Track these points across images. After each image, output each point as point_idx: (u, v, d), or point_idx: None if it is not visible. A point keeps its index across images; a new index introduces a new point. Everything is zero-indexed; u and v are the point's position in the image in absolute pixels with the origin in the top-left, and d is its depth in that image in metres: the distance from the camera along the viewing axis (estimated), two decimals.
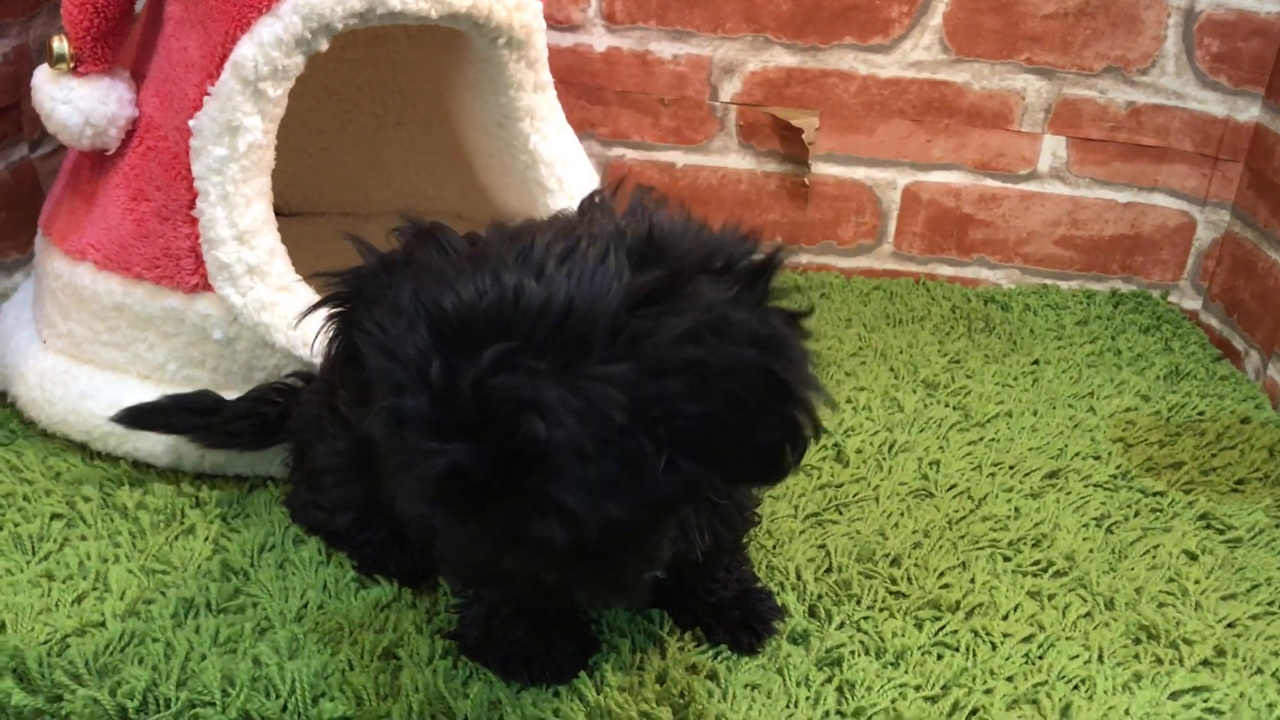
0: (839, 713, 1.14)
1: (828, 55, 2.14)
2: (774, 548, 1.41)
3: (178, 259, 1.41)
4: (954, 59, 2.13)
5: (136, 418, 1.41)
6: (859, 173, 2.22)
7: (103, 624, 1.18)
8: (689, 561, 1.16)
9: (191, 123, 1.35)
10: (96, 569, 1.27)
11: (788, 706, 1.14)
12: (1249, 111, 2.09)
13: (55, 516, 1.36)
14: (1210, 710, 1.18)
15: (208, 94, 1.34)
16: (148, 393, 1.45)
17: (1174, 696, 1.20)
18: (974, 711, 1.15)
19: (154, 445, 1.45)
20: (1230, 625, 1.32)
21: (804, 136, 2.16)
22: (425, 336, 0.81)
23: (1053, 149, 2.18)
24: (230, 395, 1.44)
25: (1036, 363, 1.96)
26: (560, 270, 0.81)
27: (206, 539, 1.34)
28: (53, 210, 1.58)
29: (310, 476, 1.34)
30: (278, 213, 2.08)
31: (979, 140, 2.19)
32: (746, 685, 1.17)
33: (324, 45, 1.34)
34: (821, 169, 2.21)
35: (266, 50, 1.31)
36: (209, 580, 1.27)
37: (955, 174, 2.22)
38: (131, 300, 1.45)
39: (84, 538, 1.33)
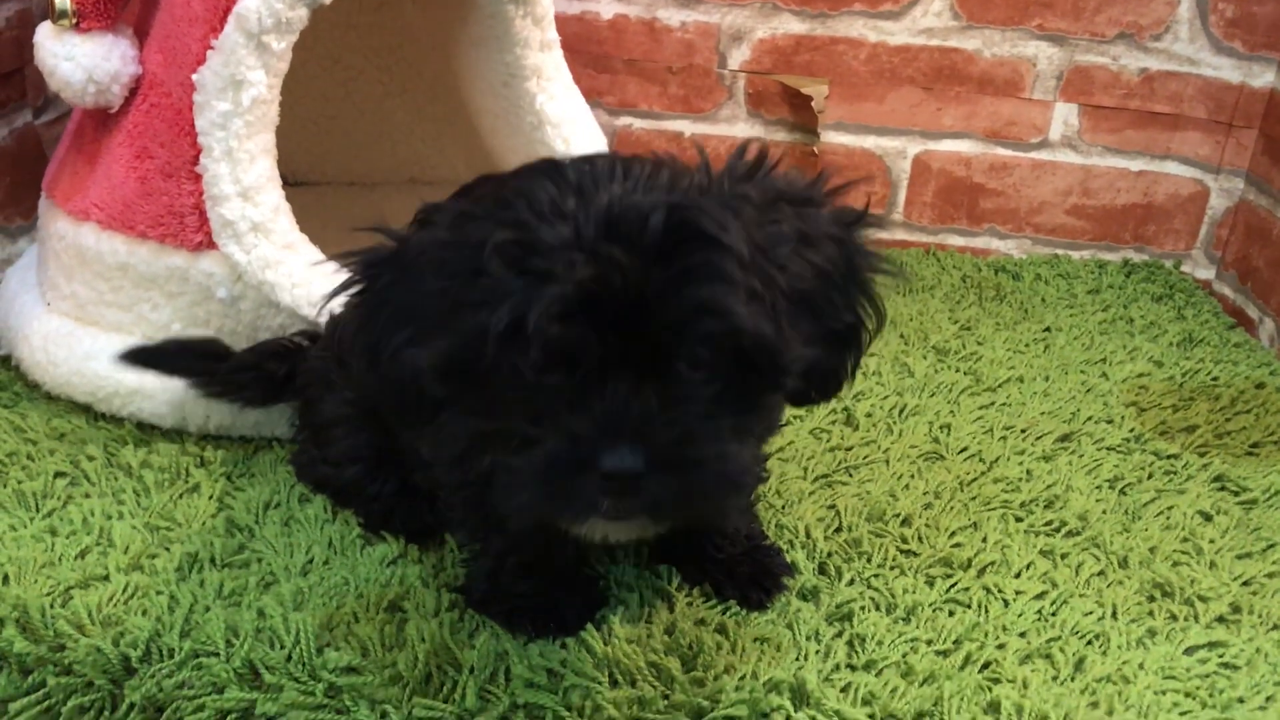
0: (849, 665, 1.13)
1: (837, 22, 2.13)
2: (783, 507, 1.40)
3: (181, 216, 1.40)
4: (964, 25, 2.11)
5: (141, 357, 1.40)
6: (868, 141, 2.20)
7: (106, 577, 1.17)
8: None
9: (195, 77, 1.34)
10: (100, 525, 1.26)
11: (797, 659, 1.13)
12: (1264, 77, 2.07)
13: (59, 475, 1.36)
14: (1225, 665, 1.17)
15: (211, 48, 1.33)
16: None
17: (1189, 651, 1.19)
18: (986, 664, 1.14)
19: (159, 406, 1.44)
20: (1246, 583, 1.30)
21: (813, 105, 2.14)
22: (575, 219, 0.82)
23: (1064, 117, 2.16)
24: None
25: (1048, 330, 1.94)
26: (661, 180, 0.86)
27: (211, 497, 1.33)
28: (56, 171, 1.57)
29: (318, 431, 1.33)
30: (284, 182, 2.10)
31: (990, 108, 2.17)
32: (756, 639, 1.15)
33: None
34: (830, 138, 2.19)
35: (270, 2, 1.29)
36: (213, 536, 1.26)
37: (966, 143, 2.20)
38: (135, 260, 1.44)
39: (88, 495, 1.32)
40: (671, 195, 0.84)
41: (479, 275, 0.83)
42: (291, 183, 2.08)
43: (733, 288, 0.82)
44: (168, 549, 1.23)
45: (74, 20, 1.39)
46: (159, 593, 1.15)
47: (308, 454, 1.36)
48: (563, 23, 2.11)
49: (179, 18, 1.38)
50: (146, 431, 1.46)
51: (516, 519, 0.90)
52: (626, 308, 0.81)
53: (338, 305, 1.35)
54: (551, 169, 0.88)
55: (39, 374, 1.51)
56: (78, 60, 1.40)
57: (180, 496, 1.33)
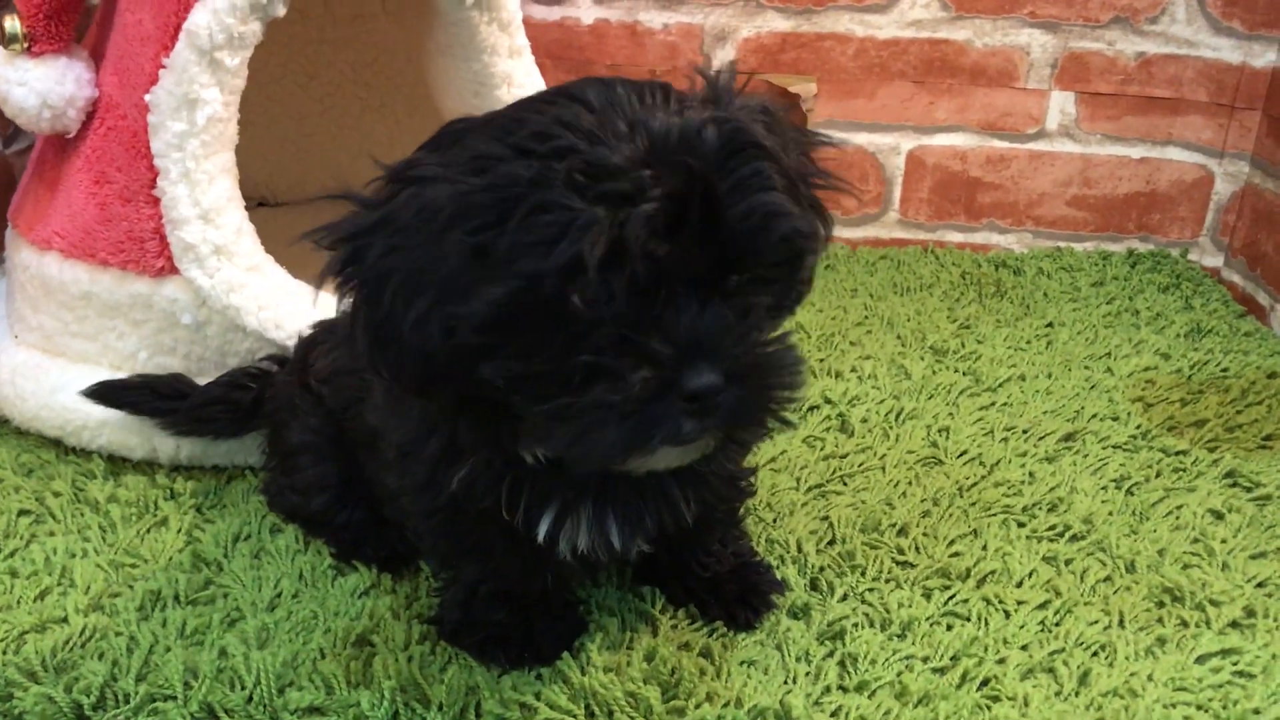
0: (840, 687, 1.07)
1: (823, 18, 2.07)
2: (774, 521, 1.34)
3: (142, 242, 1.36)
4: (954, 16, 2.06)
5: (105, 394, 1.36)
6: (861, 138, 2.15)
7: (64, 619, 1.13)
8: (681, 532, 1.10)
9: (148, 97, 1.30)
10: (62, 564, 1.22)
11: (785, 682, 1.07)
12: (1265, 56, 2.00)
13: (23, 513, 1.32)
14: (1240, 673, 1.11)
15: (163, 67, 1.28)
16: None
17: (1200, 660, 1.12)
18: (985, 682, 1.08)
19: (128, 438, 1.40)
20: (1260, 585, 1.24)
21: (802, 104, 2.09)
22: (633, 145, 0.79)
23: (1061, 105, 2.10)
24: (204, 383, 1.39)
25: (1050, 325, 1.88)
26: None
27: (180, 530, 1.29)
28: (19, 200, 1.54)
29: (285, 459, 1.29)
30: (263, 204, 2.06)
31: (984, 100, 2.11)
32: (742, 662, 1.10)
33: (281, 9, 1.28)
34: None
35: (220, 16, 1.25)
36: (179, 572, 1.21)
37: (960, 136, 2.14)
38: (98, 288, 1.40)
39: (52, 533, 1.28)
40: (711, 111, 0.83)
41: (537, 214, 0.78)
42: (272, 204, 2.06)
43: (784, 193, 0.82)
44: (131, 587, 1.18)
45: (25, 45, 1.36)
46: (118, 634, 1.10)
47: (277, 483, 1.32)
48: (543, 29, 2.07)
49: (131, 37, 1.34)
50: (117, 464, 1.42)
51: (594, 460, 0.85)
52: (704, 220, 0.79)
53: (307, 328, 1.32)
54: (569, 96, 0.83)
55: (7, 409, 1.48)
56: (31, 85, 1.36)
57: (148, 531, 1.29)
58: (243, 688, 1.03)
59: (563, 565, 1.07)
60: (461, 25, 1.44)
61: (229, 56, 1.28)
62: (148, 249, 1.36)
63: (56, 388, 1.42)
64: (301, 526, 1.29)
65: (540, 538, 1.00)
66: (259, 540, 1.28)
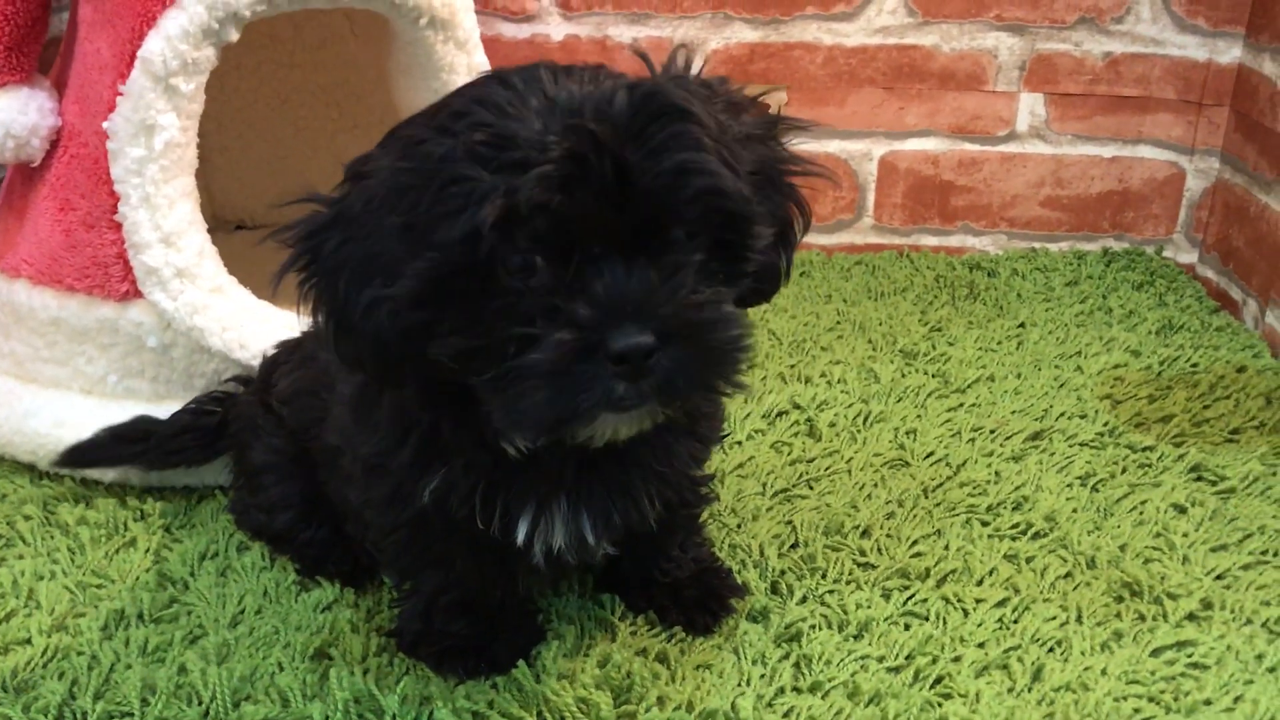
0: (794, 688, 1.08)
1: (790, 27, 2.09)
2: (738, 526, 1.35)
3: (106, 267, 1.38)
4: (920, 21, 2.07)
5: (78, 458, 1.39)
6: (832, 146, 2.16)
7: (28, 640, 1.14)
8: (644, 535, 1.12)
9: (106, 125, 1.31)
10: (29, 586, 1.23)
11: (739, 685, 1.08)
12: (1230, 53, 2.01)
13: None
14: (1194, 665, 1.11)
15: (120, 94, 1.30)
16: (90, 408, 1.42)
17: (1155, 653, 1.13)
18: (938, 680, 1.09)
19: None
20: (1219, 577, 1.25)
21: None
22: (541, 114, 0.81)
23: (1030, 107, 2.11)
24: (173, 405, 1.40)
25: (1022, 326, 1.88)
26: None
27: (148, 550, 1.30)
28: None
29: (250, 478, 1.30)
30: (240, 227, 2.08)
31: (953, 103, 2.12)
32: (698, 666, 1.11)
33: (234, 35, 1.30)
34: (793, 145, 2.15)
35: (174, 44, 1.27)
36: (144, 591, 1.23)
37: (932, 140, 2.15)
38: (66, 314, 1.41)
39: (21, 556, 1.29)
40: (626, 80, 0.84)
41: (448, 186, 0.80)
42: (250, 226, 2.08)
43: (709, 153, 0.82)
44: (96, 607, 1.20)
45: None
46: (80, 653, 1.11)
47: (243, 501, 1.33)
48: (513, 46, 2.09)
49: (90, 66, 1.36)
50: (89, 486, 1.44)
51: (529, 428, 0.85)
52: (609, 180, 0.80)
53: (271, 348, 1.34)
54: (494, 80, 0.85)
55: None
56: None
57: (116, 552, 1.30)
58: (199, 703, 1.04)
59: (532, 571, 1.08)
60: (418, 45, 1.46)
61: (184, 82, 1.30)
62: (112, 274, 1.37)
63: (28, 413, 1.44)
64: (267, 544, 1.30)
65: (520, 540, 1.01)
66: (225, 558, 1.29)
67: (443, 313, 0.84)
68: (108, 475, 1.43)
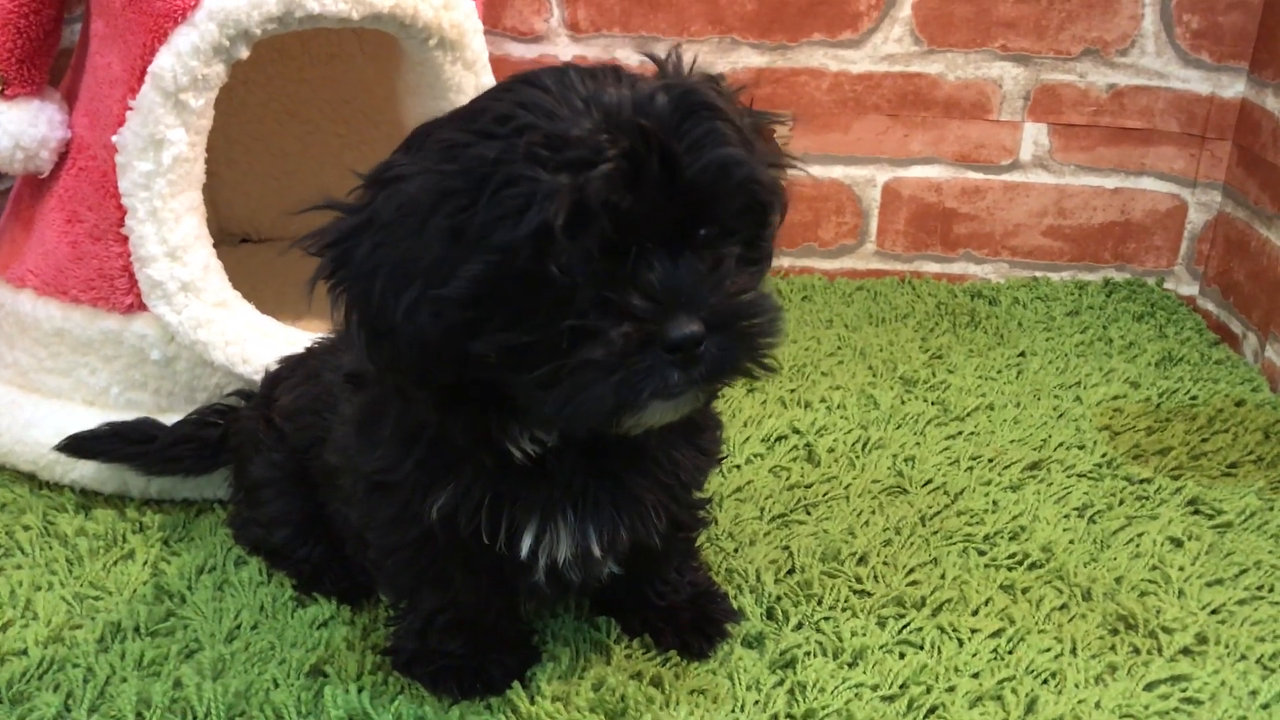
0: (789, 715, 1.08)
1: (796, 53, 2.10)
2: (735, 550, 1.36)
3: (111, 279, 1.38)
4: (926, 50, 2.08)
5: (76, 447, 1.39)
6: (836, 171, 2.17)
7: (24, 651, 1.14)
8: (640, 558, 1.13)
9: (115, 138, 1.32)
10: (27, 597, 1.23)
11: (733, 711, 1.08)
12: (1234, 87, 2.02)
13: None
14: (1188, 700, 1.11)
15: (130, 109, 1.31)
16: (92, 419, 1.42)
17: (1149, 687, 1.13)
18: (932, 710, 1.09)
19: (99, 472, 1.42)
20: (1214, 612, 1.25)
21: (776, 138, 2.11)
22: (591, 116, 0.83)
23: (1034, 137, 2.12)
24: (174, 417, 1.41)
25: (1023, 355, 1.89)
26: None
27: (145, 563, 1.31)
28: None
29: (249, 492, 1.31)
30: (246, 240, 2.09)
31: (957, 132, 2.13)
32: (692, 691, 1.11)
33: (244, 52, 1.31)
34: (797, 170, 2.16)
35: (185, 60, 1.28)
36: (141, 604, 1.23)
37: (935, 168, 2.16)
38: (70, 325, 1.42)
39: (19, 566, 1.30)
40: (661, 80, 0.87)
41: (505, 188, 0.81)
42: (256, 240, 2.09)
43: (740, 149, 0.86)
44: (93, 619, 1.20)
45: (0, 88, 1.39)
46: (75, 665, 1.12)
47: (242, 516, 1.33)
48: (521, 66, 2.09)
49: (101, 80, 1.37)
50: (89, 497, 1.44)
51: (587, 419, 0.87)
52: (661, 176, 0.83)
53: (273, 363, 1.34)
54: (526, 82, 0.87)
55: None
56: (4, 127, 1.39)
57: (114, 564, 1.31)
58: (194, 718, 1.04)
59: (533, 591, 1.09)
60: (426, 65, 1.47)
61: (193, 98, 1.31)
62: (117, 286, 1.38)
63: (30, 423, 1.44)
64: (265, 559, 1.31)
65: (524, 553, 1.01)
66: (223, 572, 1.29)
67: (492, 310, 0.85)
68: (107, 486, 1.43)
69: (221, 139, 2.03)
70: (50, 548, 1.33)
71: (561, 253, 0.81)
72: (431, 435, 0.99)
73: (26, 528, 1.36)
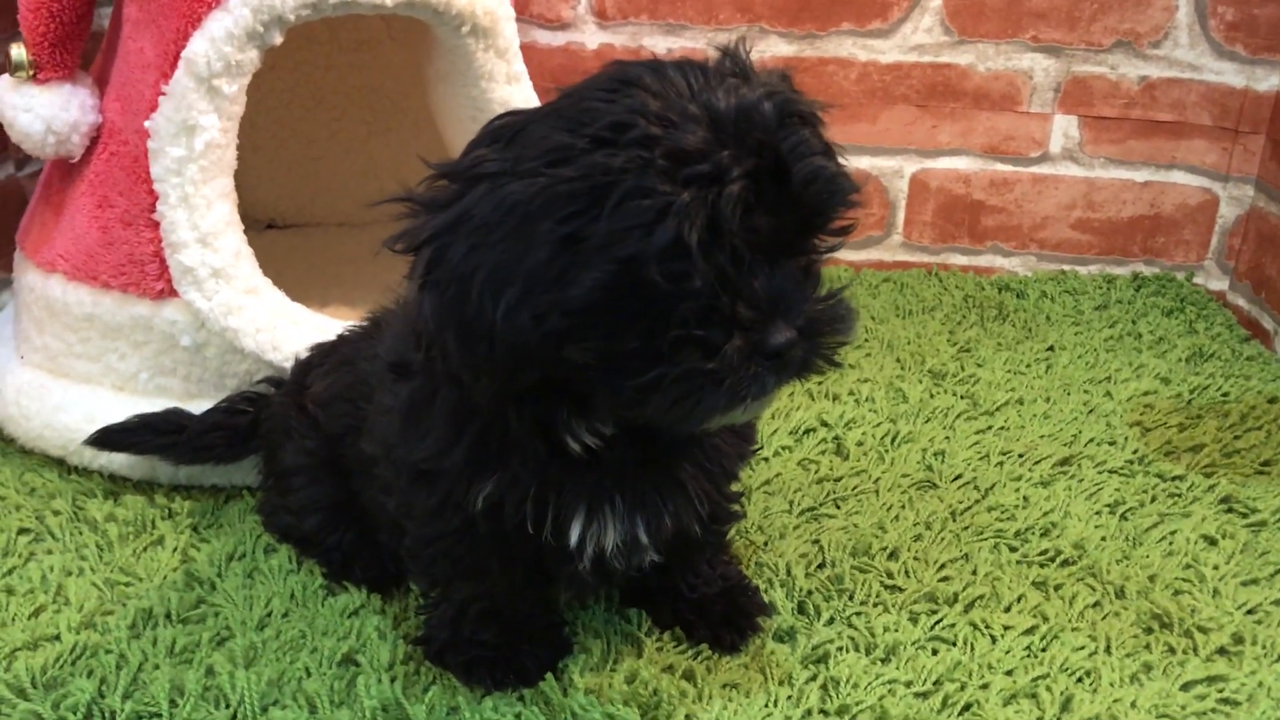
0: (822, 711, 1.08)
1: (825, 42, 2.09)
2: (765, 544, 1.35)
3: (142, 265, 1.38)
4: (956, 40, 2.06)
5: (106, 440, 1.39)
6: (864, 162, 2.16)
7: (57, 637, 1.14)
8: (673, 550, 1.13)
9: (148, 123, 1.32)
10: (58, 582, 1.23)
11: (766, 705, 1.08)
12: (1269, 80, 2.00)
13: (23, 531, 1.34)
14: (1225, 700, 1.10)
15: (163, 94, 1.31)
16: (121, 404, 1.42)
17: (1186, 687, 1.12)
18: (967, 707, 1.08)
19: (128, 458, 1.42)
20: (1250, 611, 1.24)
21: None
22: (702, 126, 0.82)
23: (1064, 129, 2.11)
24: (204, 404, 1.41)
25: (1051, 349, 1.88)
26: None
27: (175, 550, 1.31)
28: (27, 223, 1.56)
29: (279, 480, 1.30)
30: (271, 226, 2.09)
31: (987, 123, 2.12)
32: (724, 685, 1.11)
33: (278, 38, 1.30)
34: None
35: (218, 45, 1.28)
36: (172, 590, 1.23)
37: (964, 159, 2.14)
38: (100, 310, 1.42)
39: (50, 551, 1.30)
40: (761, 86, 0.87)
41: (631, 200, 0.80)
42: (281, 226, 2.08)
43: (831, 158, 0.88)
44: (124, 605, 1.20)
45: (31, 72, 1.38)
46: (108, 651, 1.12)
47: (272, 503, 1.33)
48: (547, 54, 2.09)
49: (134, 65, 1.36)
50: (118, 483, 1.44)
51: (693, 422, 0.90)
52: (778, 192, 0.84)
53: (304, 350, 1.34)
54: (628, 83, 0.85)
55: (12, 428, 1.50)
56: (36, 111, 1.39)
57: (144, 550, 1.31)
58: (227, 706, 1.04)
59: (574, 580, 1.09)
60: (458, 52, 1.46)
61: (227, 84, 1.30)
62: (148, 272, 1.38)
63: (60, 407, 1.45)
64: (295, 546, 1.30)
65: (572, 542, 1.01)
66: (253, 560, 1.29)
67: (599, 318, 0.85)
68: (136, 472, 1.43)
69: (248, 125, 2.00)
70: (80, 533, 1.33)
71: (692, 267, 0.81)
72: (481, 425, 0.99)
73: (56, 513, 1.37)
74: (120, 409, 1.41)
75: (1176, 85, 2.05)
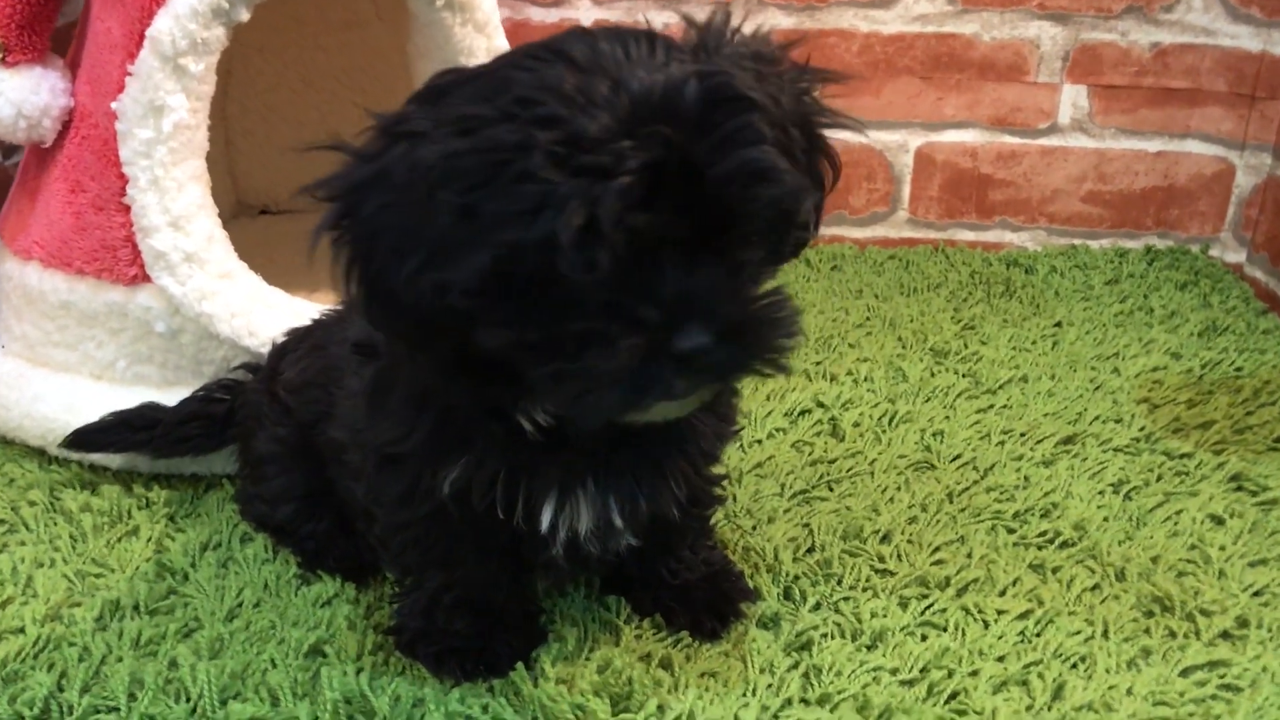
0: (802, 700, 1.04)
1: (825, 14, 2.03)
2: (753, 528, 1.31)
3: (114, 250, 1.35)
4: (960, 9, 2.01)
5: (82, 441, 1.37)
6: (867, 136, 2.10)
7: (21, 630, 1.12)
8: (654, 533, 1.09)
9: (114, 105, 1.29)
10: (28, 574, 1.21)
11: (744, 695, 1.04)
12: None
13: None
14: (1226, 686, 1.05)
15: (129, 74, 1.28)
16: (100, 393, 1.40)
17: (1185, 673, 1.07)
18: (953, 695, 1.04)
19: None
20: (1257, 593, 1.19)
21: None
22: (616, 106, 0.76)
23: (1073, 99, 2.05)
24: (182, 391, 1.38)
25: (1059, 325, 1.82)
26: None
27: (150, 540, 1.28)
28: (6, 210, 1.54)
29: (253, 467, 1.28)
30: (265, 212, 2.06)
31: (993, 94, 2.06)
32: (702, 673, 1.07)
33: (244, 14, 1.27)
34: (827, 135, 2.09)
35: (183, 23, 1.24)
36: (142, 581, 1.20)
37: (970, 132, 2.09)
38: (76, 297, 1.40)
39: (23, 543, 1.28)
40: (695, 64, 0.80)
41: (519, 183, 0.76)
42: (274, 211, 2.06)
43: (774, 146, 0.80)
44: (93, 596, 1.18)
45: (1, 55, 1.36)
46: (72, 644, 1.09)
47: (247, 491, 1.31)
48: (541, 31, 2.05)
49: (101, 45, 1.34)
50: (98, 473, 1.42)
51: (589, 419, 0.86)
52: (684, 185, 0.77)
53: (280, 335, 1.31)
54: (555, 53, 0.81)
55: None
56: (5, 95, 1.36)
57: (118, 540, 1.28)
58: (187, 699, 1.02)
59: (548, 566, 1.05)
60: (435, 27, 1.43)
61: (193, 62, 1.27)
62: (120, 257, 1.35)
63: (38, 397, 1.42)
64: (271, 535, 1.28)
65: (544, 527, 0.98)
66: (228, 549, 1.27)
67: (497, 303, 0.81)
68: (115, 461, 1.41)
69: (238, 109, 2.00)
70: (55, 524, 1.31)
71: (568, 261, 0.76)
72: (442, 405, 0.96)
73: (32, 503, 1.35)
74: (99, 397, 1.39)
75: (1190, 51, 1.99)
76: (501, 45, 1.50)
